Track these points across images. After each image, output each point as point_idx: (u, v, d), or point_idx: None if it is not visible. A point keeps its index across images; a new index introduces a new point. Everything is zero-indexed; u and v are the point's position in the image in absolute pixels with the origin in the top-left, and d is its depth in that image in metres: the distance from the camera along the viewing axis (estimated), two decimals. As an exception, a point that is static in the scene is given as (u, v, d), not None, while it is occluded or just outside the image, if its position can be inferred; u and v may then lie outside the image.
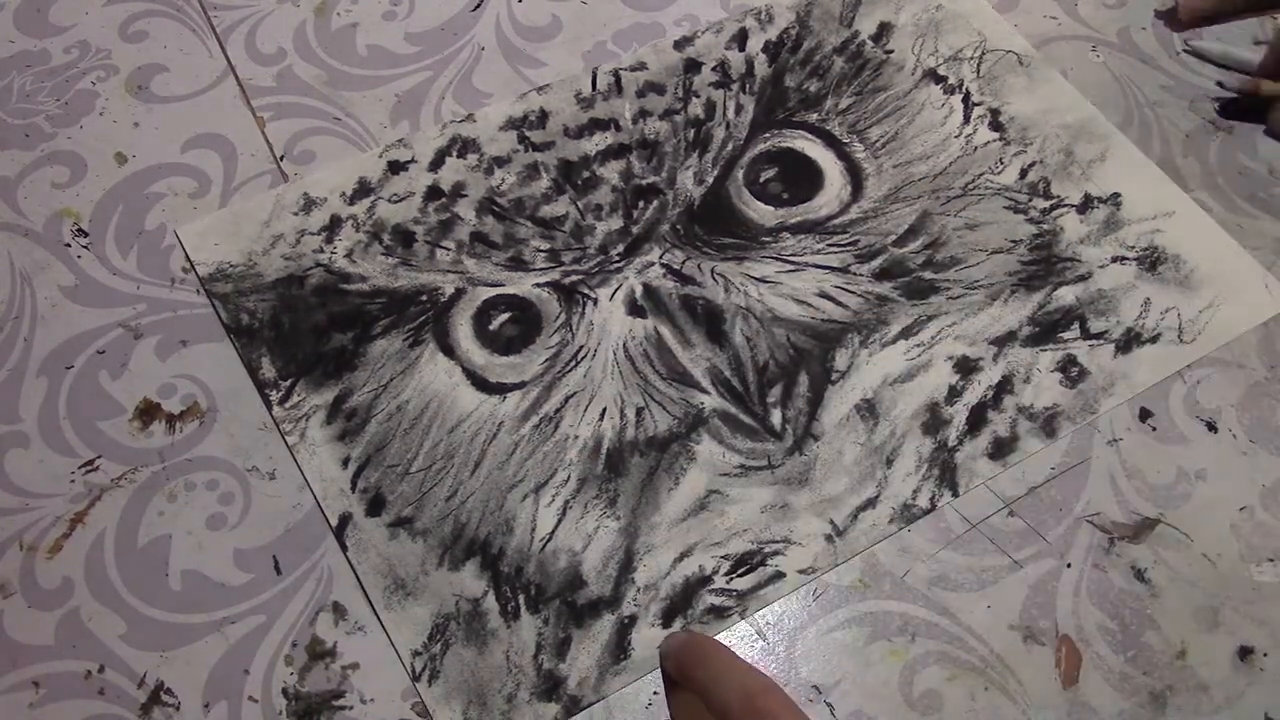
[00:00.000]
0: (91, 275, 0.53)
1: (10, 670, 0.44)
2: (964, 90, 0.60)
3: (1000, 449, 0.49)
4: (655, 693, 0.44)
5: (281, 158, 0.57)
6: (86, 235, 0.54)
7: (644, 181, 0.55)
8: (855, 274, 0.53)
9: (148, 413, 0.49)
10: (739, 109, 0.58)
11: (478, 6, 0.63)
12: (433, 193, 0.55)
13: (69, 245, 0.54)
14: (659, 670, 0.44)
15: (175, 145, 0.57)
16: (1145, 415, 0.50)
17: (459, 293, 0.52)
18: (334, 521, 0.47)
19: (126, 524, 0.47)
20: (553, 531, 0.47)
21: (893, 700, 0.44)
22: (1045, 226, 0.55)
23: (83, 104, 0.58)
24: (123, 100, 0.58)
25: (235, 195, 0.55)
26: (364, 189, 0.55)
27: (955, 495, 0.48)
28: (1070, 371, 0.51)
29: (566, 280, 0.53)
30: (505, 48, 0.61)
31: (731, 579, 0.46)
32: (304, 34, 0.61)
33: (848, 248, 0.54)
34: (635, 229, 0.54)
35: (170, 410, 0.49)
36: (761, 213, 0.55)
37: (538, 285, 0.52)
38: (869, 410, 0.50)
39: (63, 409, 0.49)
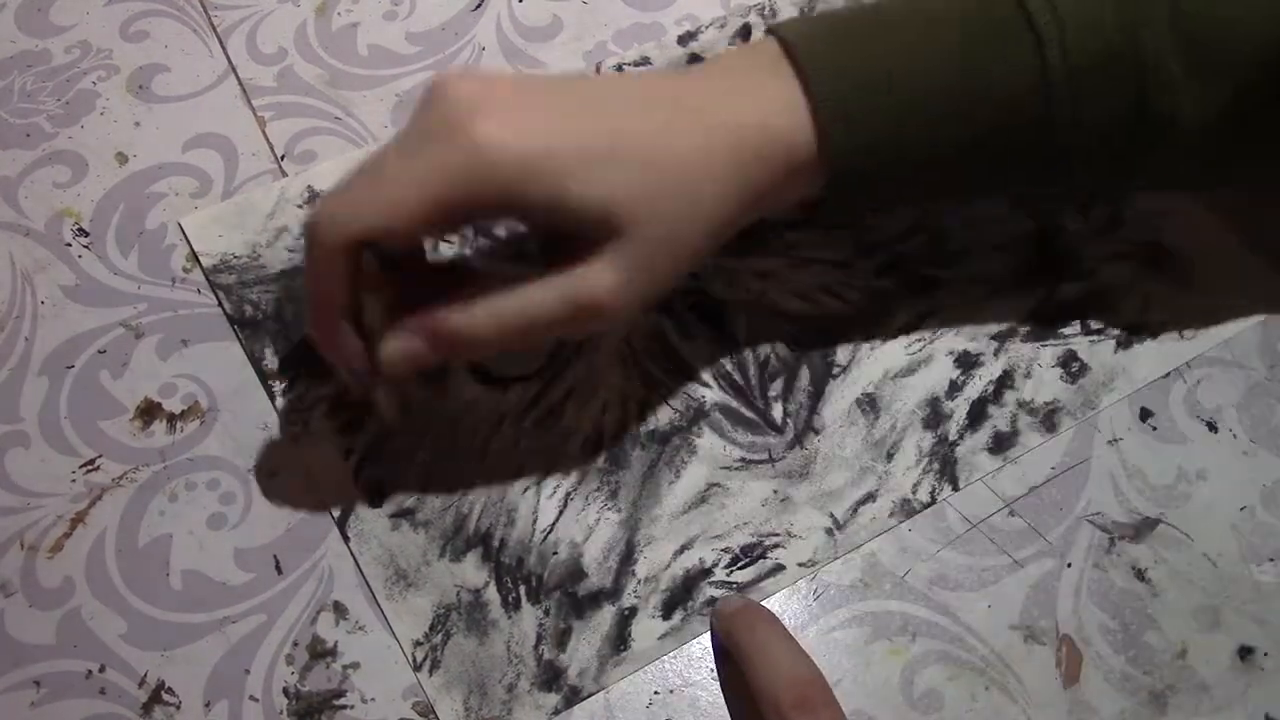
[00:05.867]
0: (92, 275, 0.53)
1: (11, 669, 0.44)
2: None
3: (1000, 443, 0.49)
4: (656, 693, 0.44)
5: (283, 157, 0.57)
6: (87, 235, 0.54)
7: (646, 177, 0.55)
8: (857, 269, 0.53)
9: (149, 412, 0.49)
10: (740, 107, 0.58)
11: (478, 6, 0.63)
12: (436, 186, 0.55)
13: (70, 245, 0.54)
14: (662, 660, 0.44)
15: (176, 145, 0.57)
16: (1146, 415, 0.50)
17: (462, 286, 0.52)
18: (336, 513, 0.47)
19: (127, 523, 0.47)
20: (554, 523, 0.47)
21: (893, 700, 0.44)
22: (1047, 223, 0.55)
23: (84, 104, 0.58)
24: (124, 100, 0.58)
25: (236, 195, 0.55)
26: (368, 182, 0.55)
27: (955, 489, 0.48)
28: (1071, 367, 0.51)
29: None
30: (506, 48, 0.61)
31: (732, 571, 0.46)
32: (305, 34, 0.61)
33: (850, 243, 0.54)
34: (638, 224, 0.54)
35: (171, 410, 0.49)
36: (763, 208, 0.55)
37: None
38: (870, 404, 0.50)
39: (63, 408, 0.49)
